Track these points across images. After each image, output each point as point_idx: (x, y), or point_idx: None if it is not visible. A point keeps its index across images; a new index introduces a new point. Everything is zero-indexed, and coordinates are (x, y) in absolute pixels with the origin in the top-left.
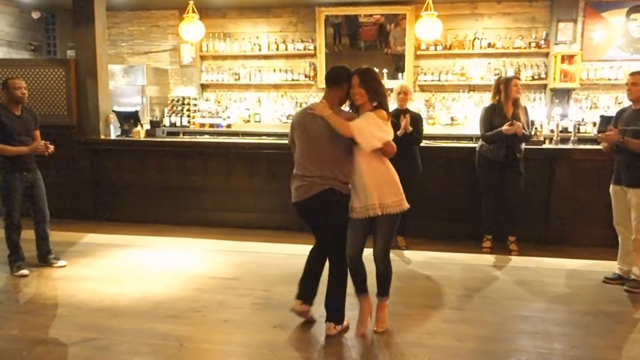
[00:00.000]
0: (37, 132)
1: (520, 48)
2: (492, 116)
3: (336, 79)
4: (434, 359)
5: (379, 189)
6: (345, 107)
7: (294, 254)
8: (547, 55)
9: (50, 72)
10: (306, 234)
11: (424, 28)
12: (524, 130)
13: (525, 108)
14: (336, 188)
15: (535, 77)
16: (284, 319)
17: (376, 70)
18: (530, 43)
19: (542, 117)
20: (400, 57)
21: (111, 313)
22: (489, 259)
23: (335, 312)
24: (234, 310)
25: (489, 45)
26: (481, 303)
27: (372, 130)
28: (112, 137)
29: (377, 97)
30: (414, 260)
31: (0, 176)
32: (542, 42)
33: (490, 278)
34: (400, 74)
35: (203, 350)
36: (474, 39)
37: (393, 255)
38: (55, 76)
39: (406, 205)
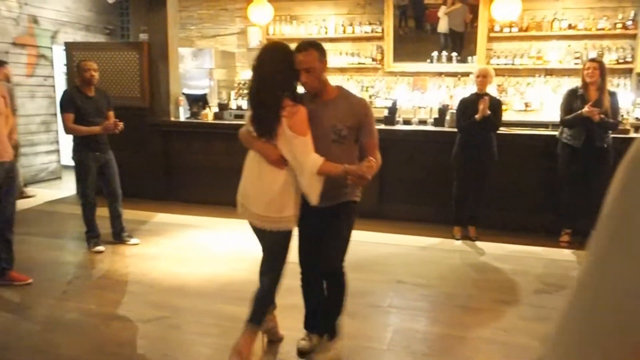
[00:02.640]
0: (111, 113)
1: (604, 29)
2: (572, 99)
3: None
4: (511, 358)
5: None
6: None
7: (363, 240)
8: (634, 37)
9: (125, 55)
10: (370, 219)
11: (502, 8)
12: (605, 118)
13: (614, 94)
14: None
15: (621, 60)
16: (352, 307)
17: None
18: (615, 24)
19: (627, 104)
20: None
21: (181, 292)
22: (567, 254)
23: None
24: (302, 296)
25: (570, 26)
26: (560, 301)
27: None
28: (182, 119)
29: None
30: (488, 252)
31: (75, 156)
32: (630, 22)
33: (569, 274)
34: (470, 57)
35: None
36: (553, 20)
37: (465, 245)
38: (129, 59)
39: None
